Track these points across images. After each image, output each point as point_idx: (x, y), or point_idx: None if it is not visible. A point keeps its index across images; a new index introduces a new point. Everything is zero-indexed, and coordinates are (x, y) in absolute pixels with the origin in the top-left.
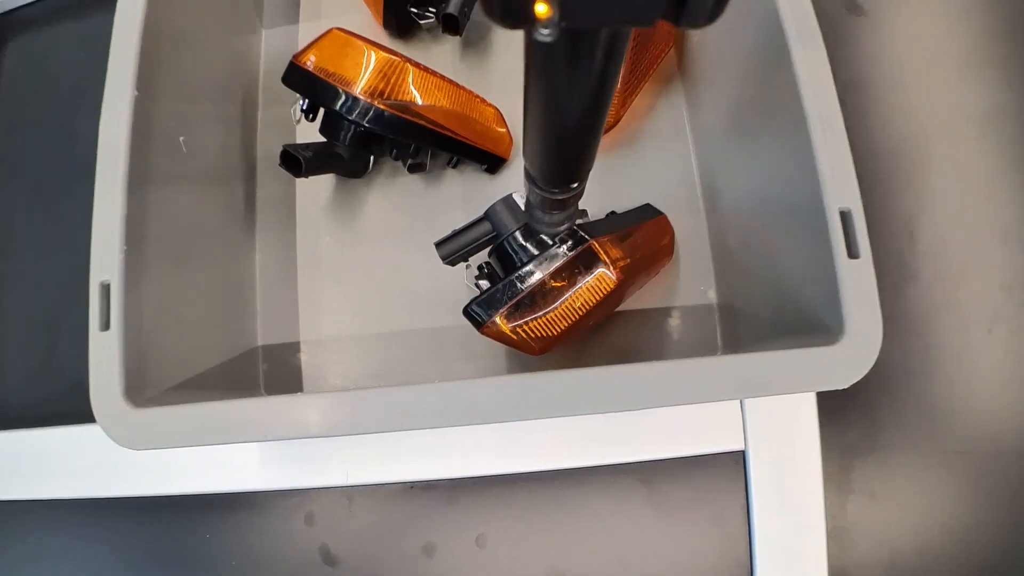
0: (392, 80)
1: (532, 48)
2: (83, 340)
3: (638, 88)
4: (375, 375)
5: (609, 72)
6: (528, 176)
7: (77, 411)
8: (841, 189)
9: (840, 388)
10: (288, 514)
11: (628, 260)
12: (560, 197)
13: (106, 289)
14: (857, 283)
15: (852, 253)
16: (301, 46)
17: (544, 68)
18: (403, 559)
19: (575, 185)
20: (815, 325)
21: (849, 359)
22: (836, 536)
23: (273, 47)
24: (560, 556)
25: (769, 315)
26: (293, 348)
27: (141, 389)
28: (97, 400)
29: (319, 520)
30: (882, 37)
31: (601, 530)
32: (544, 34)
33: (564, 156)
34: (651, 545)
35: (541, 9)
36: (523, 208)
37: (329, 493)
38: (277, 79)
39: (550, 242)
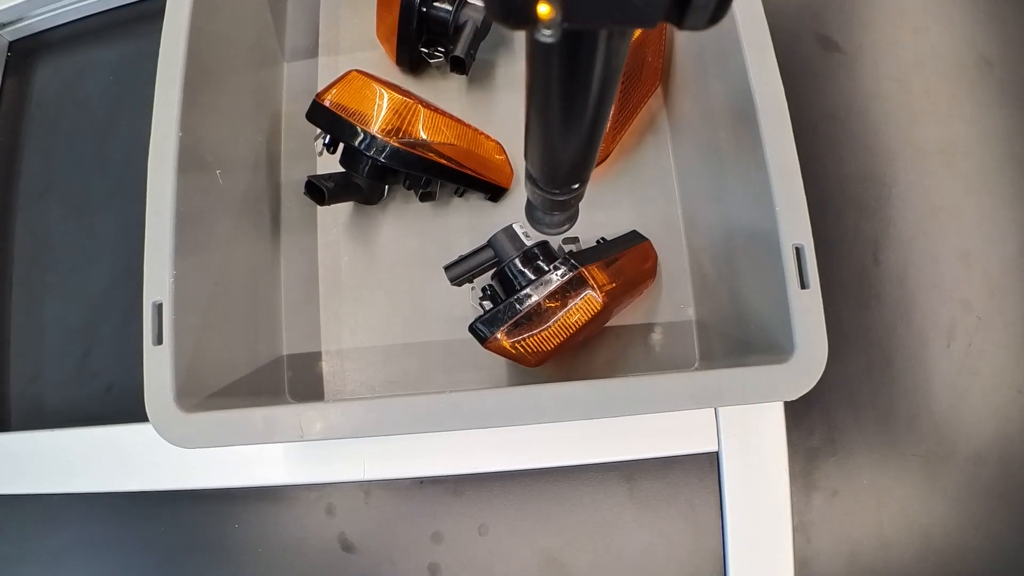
0: (405, 120)
1: (534, 49)
2: (116, 347)
3: (627, 125)
4: (390, 383)
5: (610, 73)
6: (529, 177)
7: (110, 412)
8: (795, 227)
9: (789, 400)
10: (310, 506)
11: (613, 284)
12: (561, 198)
13: (159, 308)
14: (806, 310)
15: (803, 284)
16: (321, 80)
17: (546, 69)
18: (413, 546)
19: (576, 186)
20: (772, 344)
21: (797, 375)
22: (801, 530)
23: (295, 80)
24: (553, 543)
25: (737, 332)
26: (315, 357)
27: (189, 396)
28: (151, 406)
29: (338, 511)
30: (855, 73)
31: (589, 521)
32: (546, 35)
33: (565, 157)
34: (633, 536)
35: (543, 10)
36: (522, 238)
37: (348, 487)
38: (299, 110)
39: (545, 268)
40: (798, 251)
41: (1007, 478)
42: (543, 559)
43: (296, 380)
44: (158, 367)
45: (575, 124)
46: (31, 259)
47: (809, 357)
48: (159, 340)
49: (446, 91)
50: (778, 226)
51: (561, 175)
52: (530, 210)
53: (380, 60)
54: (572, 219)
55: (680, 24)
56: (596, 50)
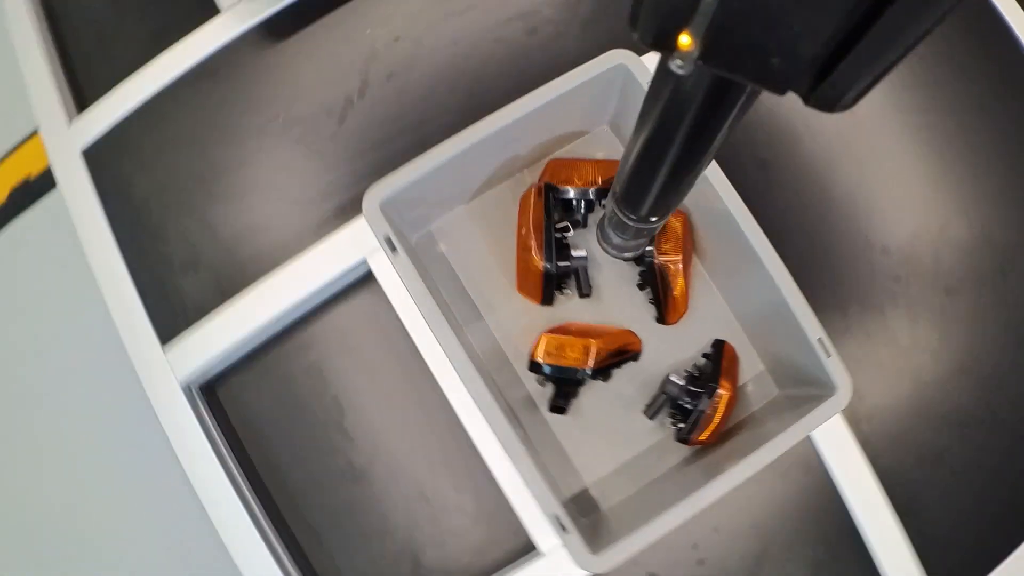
0: (589, 353)
1: (661, 74)
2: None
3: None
4: (627, 485)
5: (720, 122)
6: (613, 195)
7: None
8: (814, 327)
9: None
10: None
11: (730, 381)
12: (635, 225)
13: (556, 518)
14: (834, 365)
15: (828, 355)
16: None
17: (664, 98)
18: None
19: (654, 220)
20: (818, 383)
21: (839, 402)
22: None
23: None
24: None
25: (790, 377)
26: (586, 492)
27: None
28: (577, 559)
29: None
30: (781, 183)
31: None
32: (678, 65)
33: (651, 185)
34: None
35: (684, 41)
36: (678, 380)
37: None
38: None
39: (698, 392)
40: (820, 341)
41: None
42: None
43: (569, 505)
44: (571, 545)
45: (673, 157)
46: None
47: (843, 392)
48: (564, 530)
49: (575, 308)
50: (804, 329)
51: (644, 202)
52: (601, 227)
53: (525, 304)
54: (635, 249)
55: (807, 100)
56: (718, 96)
